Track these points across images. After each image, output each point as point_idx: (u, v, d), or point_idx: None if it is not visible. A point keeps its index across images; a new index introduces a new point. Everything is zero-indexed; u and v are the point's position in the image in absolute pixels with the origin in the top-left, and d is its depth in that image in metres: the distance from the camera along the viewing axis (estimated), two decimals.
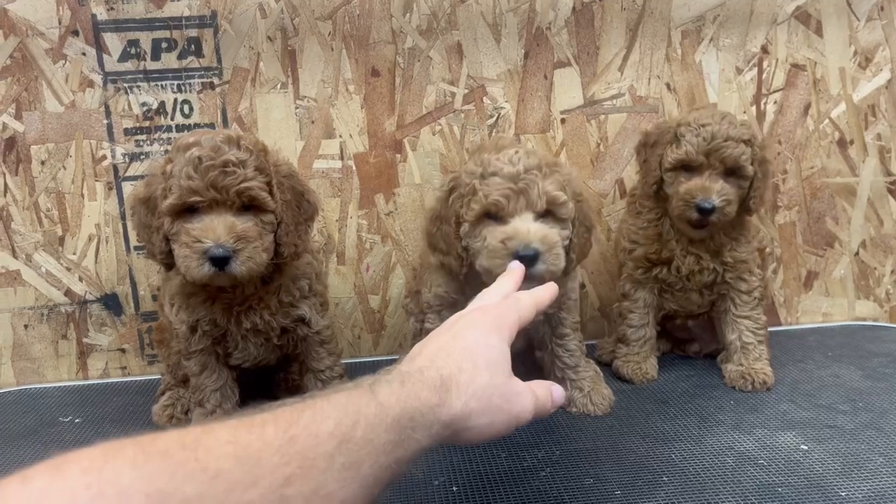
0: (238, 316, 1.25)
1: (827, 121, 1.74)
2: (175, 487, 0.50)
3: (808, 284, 1.82)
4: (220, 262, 1.11)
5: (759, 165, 1.39)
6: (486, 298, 0.93)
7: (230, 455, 0.55)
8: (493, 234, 1.14)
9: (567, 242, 1.19)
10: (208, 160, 1.11)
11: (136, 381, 1.65)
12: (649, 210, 1.47)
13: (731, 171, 1.37)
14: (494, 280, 1.05)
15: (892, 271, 1.83)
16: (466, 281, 1.25)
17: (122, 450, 0.51)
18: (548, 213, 1.16)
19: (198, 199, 1.12)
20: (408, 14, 1.61)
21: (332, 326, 1.40)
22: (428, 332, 1.35)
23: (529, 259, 1.10)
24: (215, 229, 1.11)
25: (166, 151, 1.59)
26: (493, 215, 1.16)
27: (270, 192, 1.17)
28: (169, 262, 1.19)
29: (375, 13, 1.60)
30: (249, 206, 1.15)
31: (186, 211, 1.14)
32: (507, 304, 0.90)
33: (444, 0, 1.61)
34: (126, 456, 0.51)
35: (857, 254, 1.81)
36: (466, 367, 0.76)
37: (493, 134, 1.67)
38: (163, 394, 1.41)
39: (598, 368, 1.42)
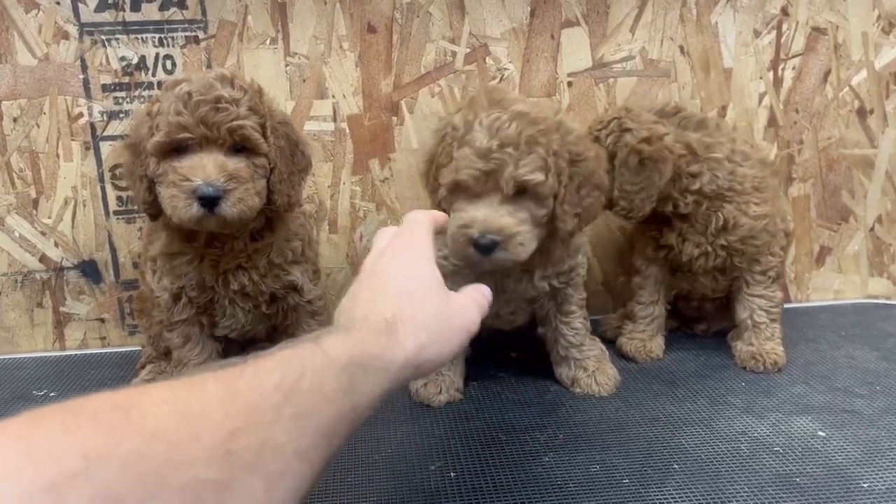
0: (226, 276, 1.18)
1: (847, 88, 1.65)
2: (111, 448, 0.46)
3: (821, 260, 1.74)
4: (210, 202, 1.04)
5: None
6: (390, 231, 0.88)
7: (168, 413, 0.51)
8: (455, 218, 1.07)
9: (548, 214, 1.10)
10: (199, 95, 1.04)
11: (117, 352, 1.57)
12: None
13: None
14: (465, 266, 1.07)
15: None
16: None
17: (51, 415, 0.47)
18: (524, 191, 1.07)
19: (187, 135, 1.05)
20: None
21: (324, 297, 1.32)
22: None
23: (485, 247, 1.05)
24: (205, 167, 1.04)
25: None
26: (462, 191, 1.09)
27: (264, 135, 1.10)
28: (154, 212, 1.12)
29: None
30: (241, 147, 1.08)
31: (174, 151, 1.07)
32: (412, 227, 0.86)
33: None
34: (55, 419, 0.47)
35: (872, 229, 1.73)
36: (405, 304, 0.74)
37: None
38: (143, 367, 1.34)
39: (603, 347, 1.35)
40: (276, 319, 1.28)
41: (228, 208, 1.05)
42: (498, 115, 1.05)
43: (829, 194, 1.70)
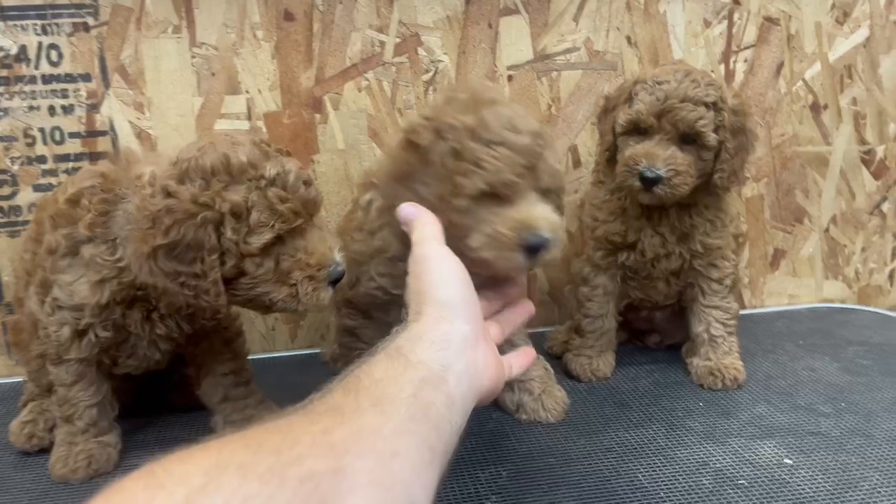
0: (154, 322, 1.03)
1: (800, 82, 1.57)
2: (226, 462, 0.48)
3: (775, 264, 1.66)
4: None
5: (729, 134, 1.19)
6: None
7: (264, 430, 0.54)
8: (499, 220, 0.90)
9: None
10: None
11: (1, 383, 1.38)
12: (611, 179, 1.27)
13: (688, 138, 1.18)
14: (492, 271, 0.90)
15: (862, 249, 1.68)
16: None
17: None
18: (548, 191, 0.95)
19: None
20: None
21: (241, 318, 1.17)
22: (350, 329, 1.14)
23: (538, 249, 0.90)
24: None
25: (30, 108, 1.31)
26: (492, 193, 0.92)
27: None
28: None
29: None
30: None
31: None
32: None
33: None
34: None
35: (826, 230, 1.66)
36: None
37: (429, 92, 1.44)
38: (25, 405, 1.16)
39: (548, 365, 1.23)
40: (183, 348, 1.12)
41: None
42: (514, 111, 0.94)
43: (783, 194, 1.62)
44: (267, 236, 0.92)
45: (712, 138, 1.17)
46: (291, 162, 0.96)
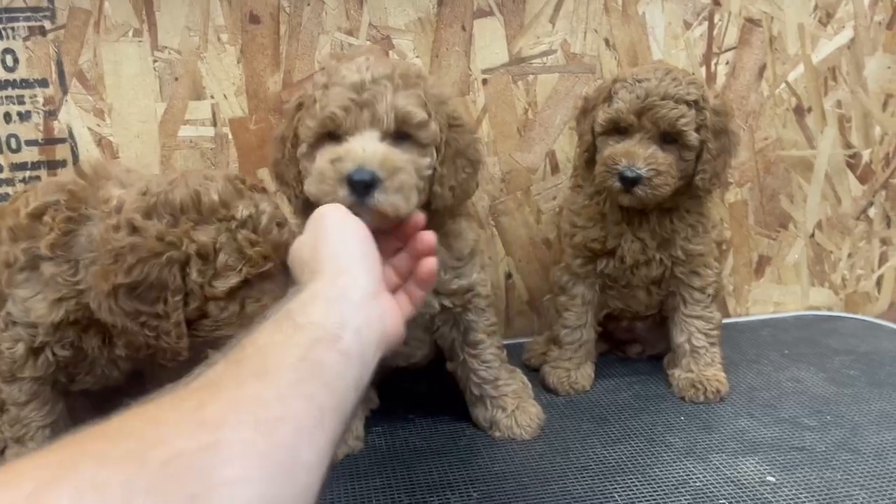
0: (114, 343, 0.98)
1: (784, 85, 1.53)
2: (81, 451, 0.46)
3: (760, 271, 1.62)
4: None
5: (711, 134, 1.15)
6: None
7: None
8: (324, 154, 0.90)
9: (430, 172, 0.95)
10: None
11: None
12: (590, 184, 1.23)
13: (669, 137, 1.14)
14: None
15: (849, 255, 1.65)
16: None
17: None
18: (404, 136, 0.92)
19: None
20: None
21: None
22: None
23: (364, 185, 0.85)
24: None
25: None
26: (333, 134, 0.92)
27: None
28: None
29: None
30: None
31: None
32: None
33: None
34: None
35: (812, 236, 1.62)
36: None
37: None
38: None
39: (524, 379, 1.19)
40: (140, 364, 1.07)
41: None
42: (367, 57, 0.95)
43: (767, 199, 1.58)
44: (233, 280, 0.88)
45: (694, 137, 1.13)
46: (266, 201, 0.92)
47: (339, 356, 0.60)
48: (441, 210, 0.98)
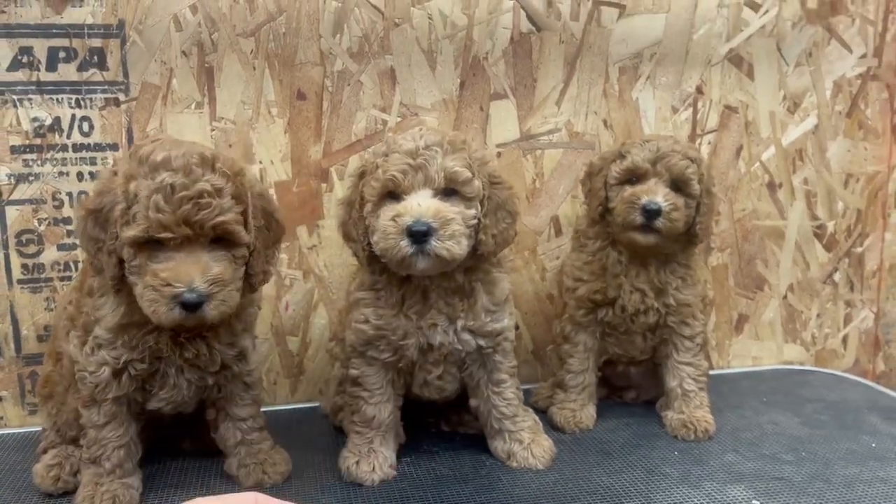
0: (183, 343, 1.11)
1: (758, 163, 1.74)
2: None
3: (739, 328, 1.80)
4: (193, 307, 1.00)
5: (704, 190, 1.35)
6: None
7: None
8: (386, 212, 1.09)
9: (475, 222, 1.13)
10: (181, 189, 0.98)
11: (14, 433, 1.43)
12: (593, 241, 1.41)
13: (678, 185, 1.34)
14: (397, 266, 1.08)
15: (818, 315, 1.84)
16: (388, 288, 1.19)
17: None
18: (452, 192, 1.11)
19: (168, 235, 0.99)
20: (338, 35, 1.50)
21: (259, 369, 1.26)
22: (354, 379, 1.24)
23: (422, 234, 1.05)
24: (189, 273, 0.99)
25: (60, 173, 1.42)
26: (393, 194, 1.11)
27: (245, 223, 1.05)
28: (119, 287, 1.06)
29: (303, 32, 1.48)
30: (221, 238, 1.03)
31: (151, 242, 1.01)
32: None
33: (377, 22, 1.51)
34: None
35: (785, 297, 1.81)
36: None
37: None
38: (45, 452, 1.22)
39: (536, 417, 1.33)
40: (212, 392, 1.19)
41: (210, 311, 1.01)
42: (419, 128, 1.16)
43: (745, 263, 1.77)
44: (132, 232, 1.00)
45: (697, 188, 1.34)
46: (214, 182, 1.00)
47: None
48: (485, 255, 1.16)
